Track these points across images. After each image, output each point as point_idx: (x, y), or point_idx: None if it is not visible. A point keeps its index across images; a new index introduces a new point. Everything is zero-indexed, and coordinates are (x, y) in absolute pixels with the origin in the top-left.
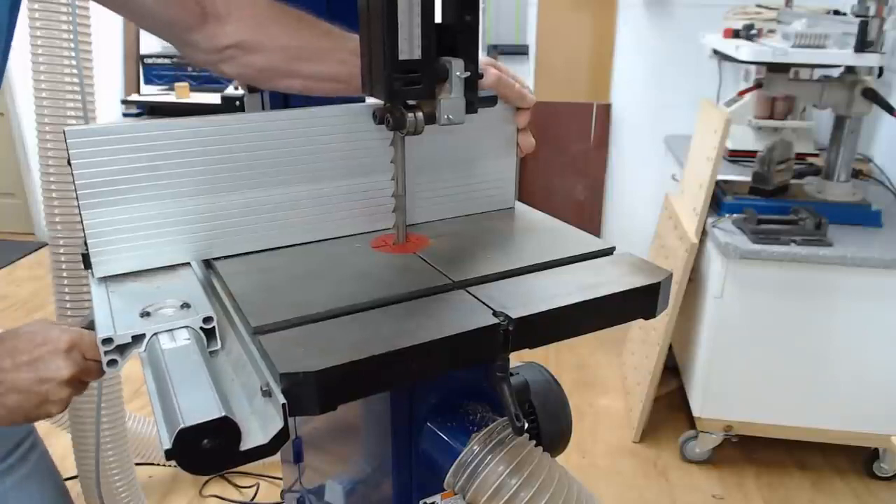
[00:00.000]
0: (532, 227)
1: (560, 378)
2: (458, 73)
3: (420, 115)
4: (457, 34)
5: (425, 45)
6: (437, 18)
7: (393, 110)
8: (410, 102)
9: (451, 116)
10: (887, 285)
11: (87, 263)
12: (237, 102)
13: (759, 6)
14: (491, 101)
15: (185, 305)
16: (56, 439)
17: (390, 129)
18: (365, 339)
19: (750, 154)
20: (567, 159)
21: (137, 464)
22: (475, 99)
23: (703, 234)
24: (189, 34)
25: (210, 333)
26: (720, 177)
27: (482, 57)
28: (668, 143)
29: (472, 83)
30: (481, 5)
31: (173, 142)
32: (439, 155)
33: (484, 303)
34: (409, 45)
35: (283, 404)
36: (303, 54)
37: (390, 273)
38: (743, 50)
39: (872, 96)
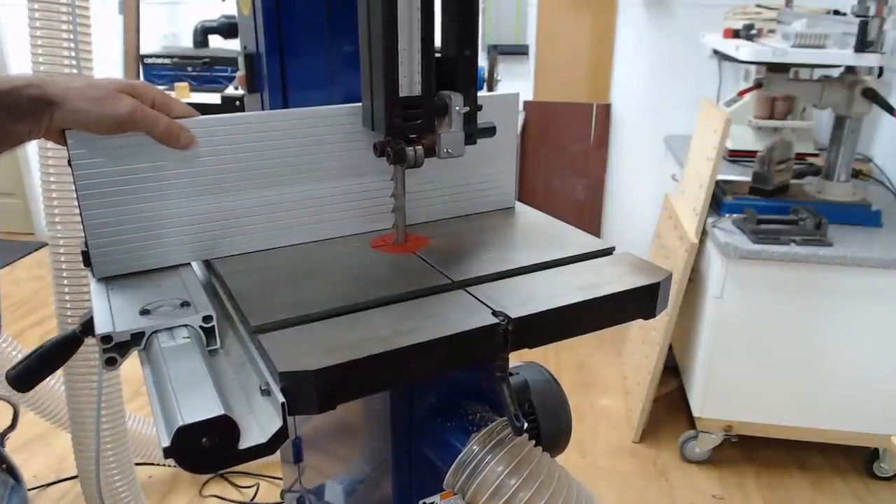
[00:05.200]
0: (532, 227)
1: (560, 378)
2: (457, 108)
3: (420, 148)
4: (457, 68)
5: (425, 81)
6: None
7: (393, 144)
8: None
9: (450, 150)
10: (887, 285)
11: (87, 261)
12: (237, 102)
13: (759, 6)
14: (490, 131)
15: (185, 304)
16: (56, 439)
17: (391, 162)
18: (364, 338)
19: (750, 154)
20: (567, 159)
21: (137, 464)
22: (474, 131)
23: (703, 234)
24: None
25: (209, 332)
26: (720, 177)
27: (139, 81)
28: (668, 143)
29: (471, 116)
30: (481, 5)
31: None
32: None
33: (483, 302)
34: (409, 82)
35: (283, 403)
36: None
37: (389, 273)
38: (743, 50)
39: (872, 96)
